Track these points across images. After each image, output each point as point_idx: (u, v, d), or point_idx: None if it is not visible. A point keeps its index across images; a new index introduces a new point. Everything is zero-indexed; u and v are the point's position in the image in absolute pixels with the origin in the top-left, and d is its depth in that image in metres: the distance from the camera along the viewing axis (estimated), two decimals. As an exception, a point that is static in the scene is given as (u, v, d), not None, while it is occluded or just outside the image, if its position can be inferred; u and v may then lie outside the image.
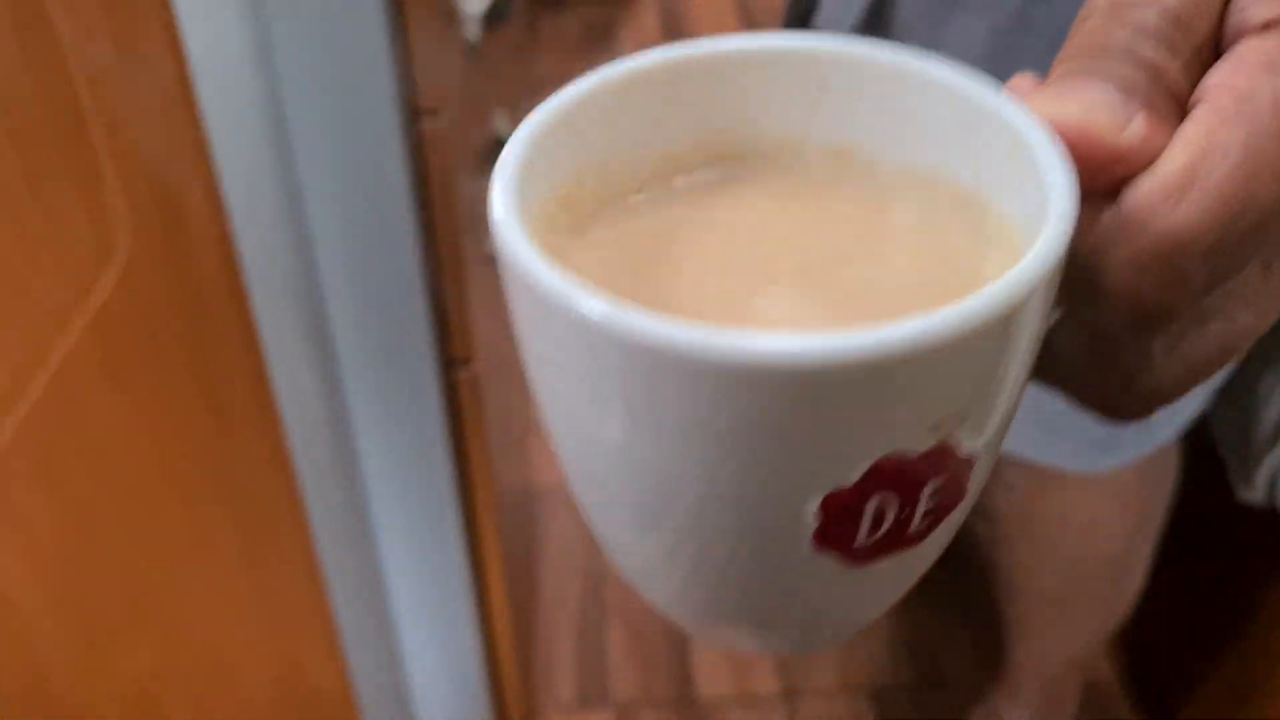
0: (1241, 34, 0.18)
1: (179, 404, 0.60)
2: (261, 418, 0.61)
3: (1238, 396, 0.74)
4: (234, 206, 0.56)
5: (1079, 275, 0.18)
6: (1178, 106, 0.18)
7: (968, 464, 0.17)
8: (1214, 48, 0.19)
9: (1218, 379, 0.71)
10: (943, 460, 0.17)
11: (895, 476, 0.16)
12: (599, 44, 2.12)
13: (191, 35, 0.50)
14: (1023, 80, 0.20)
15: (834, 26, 0.60)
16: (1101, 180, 0.18)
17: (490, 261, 0.75)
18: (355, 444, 0.66)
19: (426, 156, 0.60)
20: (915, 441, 0.16)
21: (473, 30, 0.74)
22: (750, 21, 2.12)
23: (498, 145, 0.81)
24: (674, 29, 2.16)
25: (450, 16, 0.68)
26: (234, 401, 0.61)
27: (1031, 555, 0.77)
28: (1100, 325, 0.19)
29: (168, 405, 0.59)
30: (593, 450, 0.19)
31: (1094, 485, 0.73)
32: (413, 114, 0.58)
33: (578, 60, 2.04)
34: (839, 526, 0.17)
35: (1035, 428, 0.66)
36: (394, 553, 0.72)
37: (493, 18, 0.77)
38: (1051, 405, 0.65)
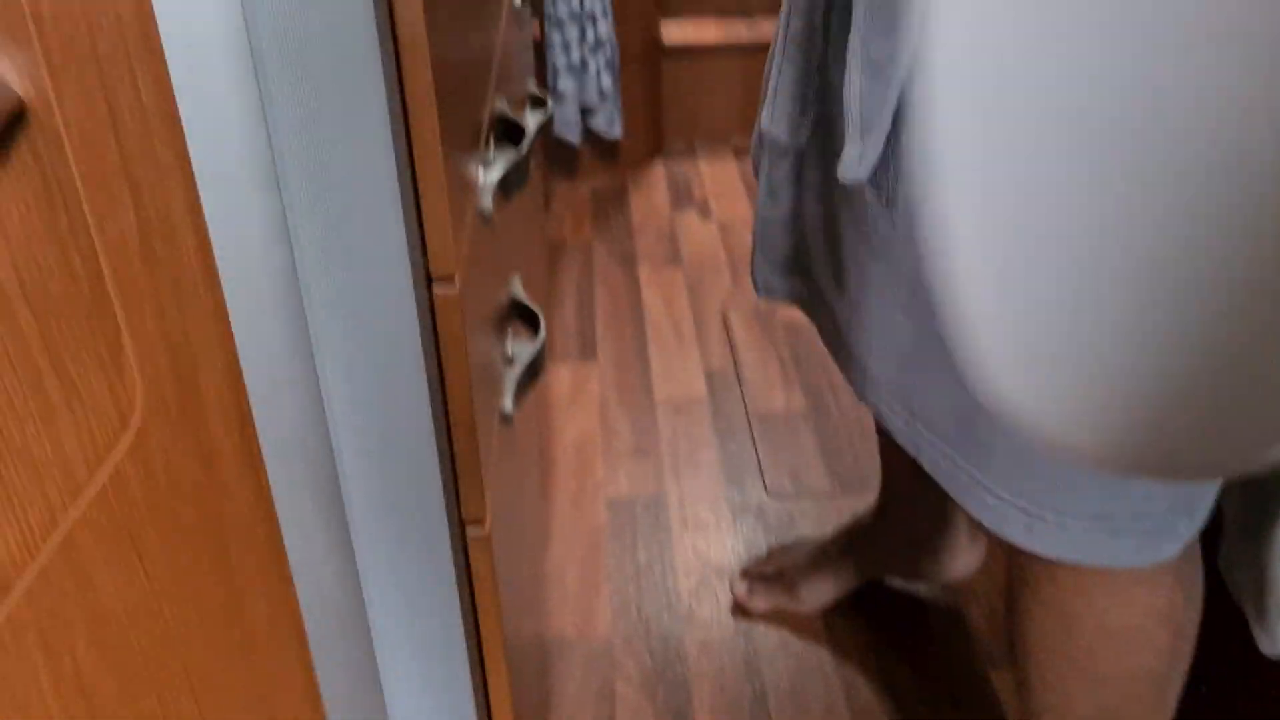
0: None
1: (190, 572, 0.59)
2: (273, 581, 0.61)
3: (1252, 550, 0.73)
4: (250, 372, 0.57)
5: None
6: None
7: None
8: None
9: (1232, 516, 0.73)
10: None
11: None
12: (610, 212, 2.18)
13: (213, 208, 0.52)
14: None
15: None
16: None
17: (505, 421, 0.74)
18: (368, 603, 0.65)
19: (439, 321, 0.61)
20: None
21: (487, 199, 0.76)
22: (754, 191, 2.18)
23: (511, 307, 0.83)
24: (682, 198, 2.22)
25: (466, 187, 0.70)
26: (246, 567, 0.60)
27: (1070, 672, 0.80)
28: None
29: (178, 573, 0.59)
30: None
31: (1138, 593, 0.75)
32: (427, 281, 0.60)
33: (590, 227, 2.10)
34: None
35: (1101, 532, 0.70)
36: (407, 710, 0.70)
37: (506, 186, 0.80)
38: (1114, 506, 0.67)
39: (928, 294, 0.62)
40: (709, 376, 1.66)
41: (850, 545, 1.21)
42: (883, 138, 0.64)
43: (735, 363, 1.69)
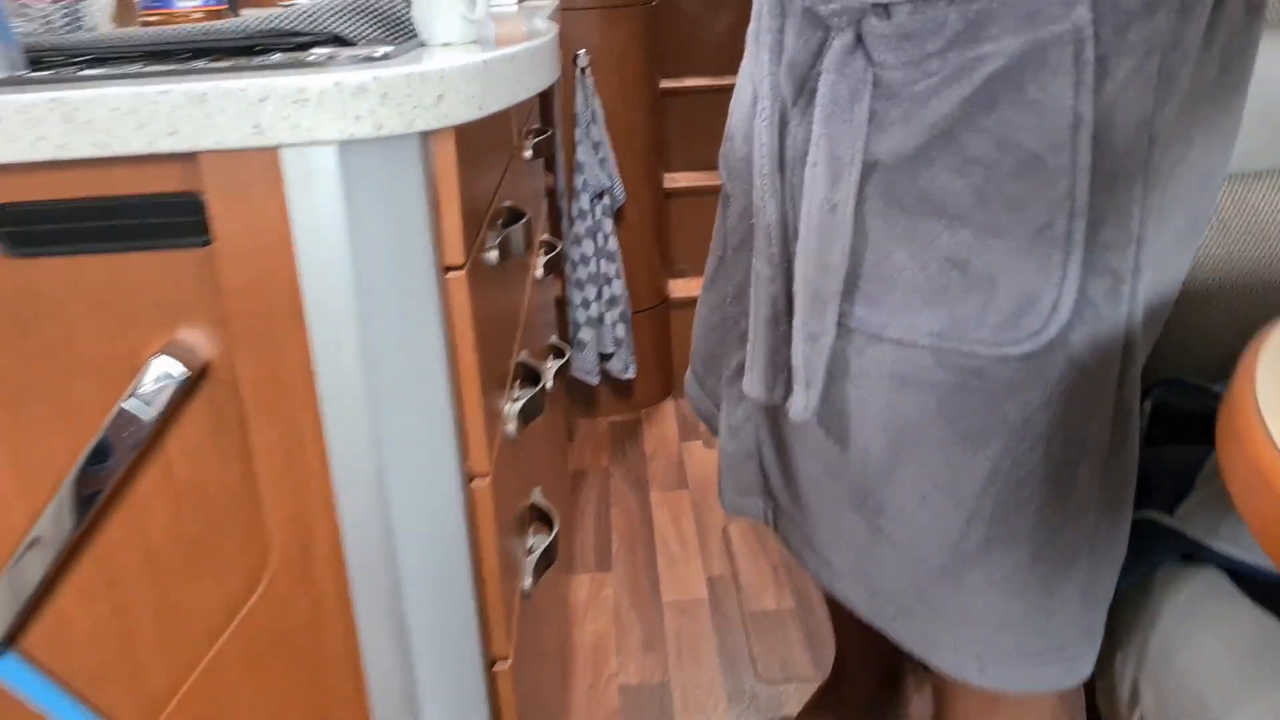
0: None
1: (299, 684, 0.84)
2: (354, 693, 0.85)
3: (1104, 670, 0.96)
4: (347, 542, 0.83)
5: None
6: None
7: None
8: None
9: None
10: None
11: None
12: (625, 443, 2.47)
13: (332, 430, 0.79)
14: None
15: None
16: None
17: (525, 596, 1.05)
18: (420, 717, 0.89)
19: (477, 507, 0.88)
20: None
21: (511, 425, 1.04)
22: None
23: (532, 510, 1.13)
24: (689, 431, 2.51)
25: (495, 414, 0.97)
26: (337, 682, 0.85)
27: None
28: None
29: (291, 687, 0.84)
30: None
31: (1028, 706, 0.95)
32: (468, 478, 0.87)
33: (608, 457, 2.38)
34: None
35: (1037, 665, 0.88)
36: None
37: (526, 416, 1.07)
38: (1043, 643, 0.92)
39: (870, 496, 0.87)
40: (710, 581, 1.90)
41: (819, 714, 1.41)
42: (819, 388, 0.89)
43: (733, 570, 1.93)
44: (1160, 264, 0.82)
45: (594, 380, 2.47)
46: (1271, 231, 1.04)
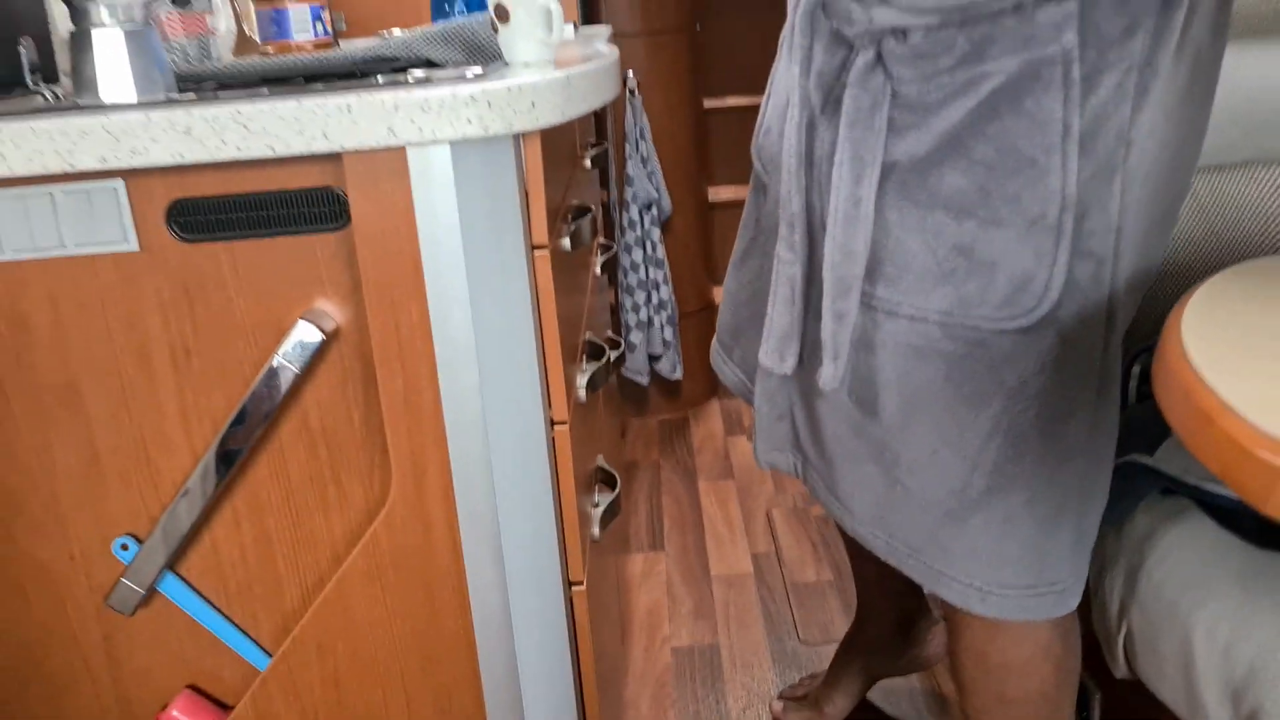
0: None
1: (410, 599, 1.01)
2: (459, 608, 1.02)
3: (1095, 590, 1.10)
4: (455, 475, 1.00)
5: None
6: None
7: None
8: None
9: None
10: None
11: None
12: (674, 439, 2.63)
13: (444, 380, 0.97)
14: None
15: None
16: None
17: (595, 541, 1.23)
18: (514, 629, 1.05)
19: (558, 448, 1.05)
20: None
21: (582, 391, 1.21)
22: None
23: (597, 473, 1.32)
24: (734, 426, 2.66)
25: (570, 381, 1.14)
26: (444, 598, 1.02)
27: (988, 697, 1.13)
28: None
29: (403, 599, 1.01)
30: None
31: (1024, 632, 1.08)
32: (551, 423, 1.03)
33: (658, 451, 2.54)
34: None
35: (1030, 597, 1.02)
36: (536, 695, 1.09)
37: (593, 384, 1.24)
38: (1036, 577, 1.08)
39: (887, 450, 1.01)
40: (755, 558, 2.05)
41: (849, 659, 1.56)
42: (845, 360, 1.04)
43: (776, 547, 2.08)
44: (1138, 249, 0.95)
45: (644, 380, 2.64)
46: (1244, 216, 1.19)
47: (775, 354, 1.09)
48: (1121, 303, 0.95)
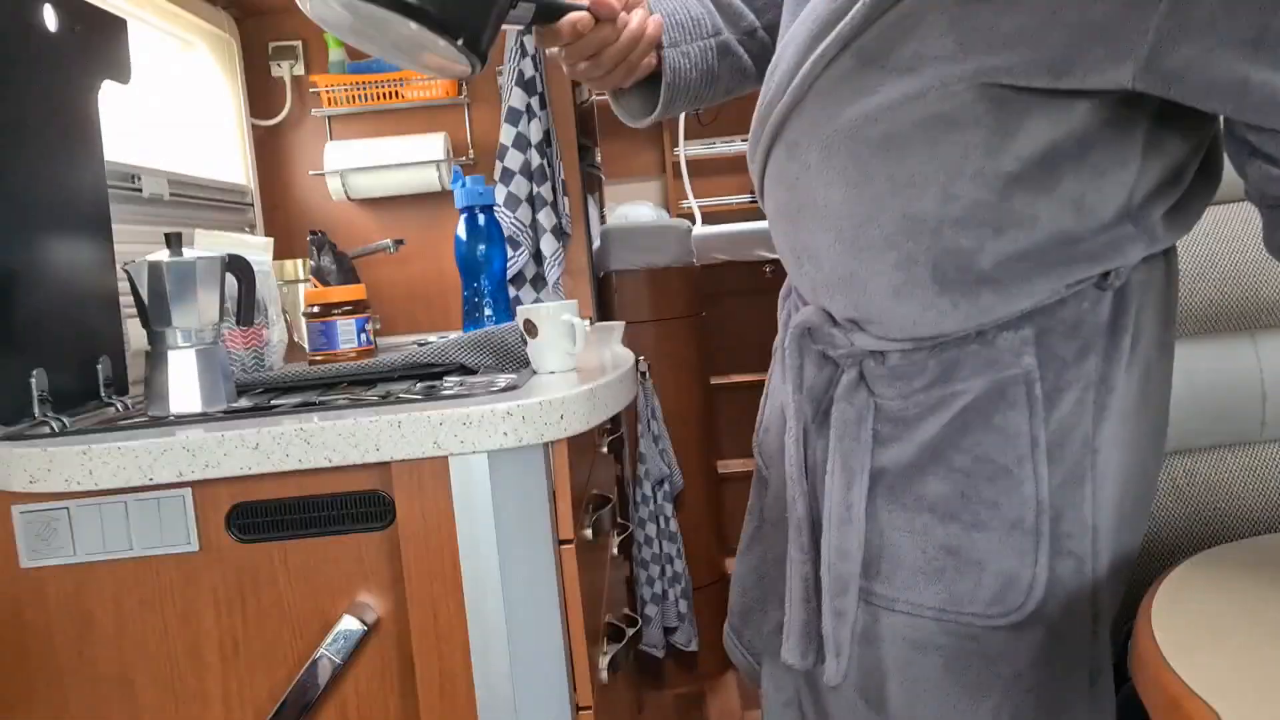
0: None
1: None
2: None
3: None
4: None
5: None
6: None
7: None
8: None
9: None
10: None
11: None
12: (690, 715, 2.62)
13: (477, 665, 1.03)
14: None
15: None
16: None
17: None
18: None
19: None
20: None
21: (604, 674, 1.26)
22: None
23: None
24: (750, 701, 2.66)
25: (594, 660, 1.20)
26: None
27: None
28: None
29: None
30: None
31: None
32: (576, 707, 1.09)
33: (674, 726, 2.52)
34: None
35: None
36: None
37: (614, 665, 1.30)
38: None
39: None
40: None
41: None
42: (847, 655, 1.06)
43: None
44: (1116, 542, 1.01)
45: (660, 653, 2.66)
46: (1217, 497, 1.29)
47: (796, 651, 1.13)
48: (1105, 594, 1.01)
